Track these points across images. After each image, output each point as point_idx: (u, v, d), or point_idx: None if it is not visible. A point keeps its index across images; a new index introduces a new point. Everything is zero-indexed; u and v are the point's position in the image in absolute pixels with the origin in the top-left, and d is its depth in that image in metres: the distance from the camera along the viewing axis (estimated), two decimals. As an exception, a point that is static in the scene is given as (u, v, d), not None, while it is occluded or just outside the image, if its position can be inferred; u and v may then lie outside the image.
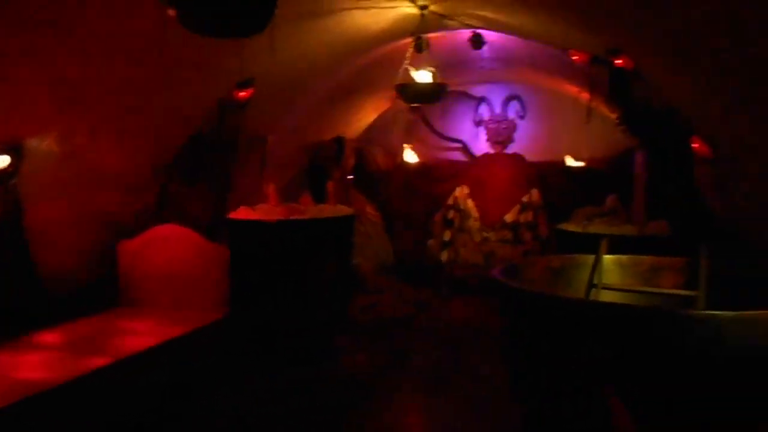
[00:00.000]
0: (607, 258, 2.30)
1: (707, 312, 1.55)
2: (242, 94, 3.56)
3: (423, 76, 3.44)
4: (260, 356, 3.62)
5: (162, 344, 2.87)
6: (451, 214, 5.74)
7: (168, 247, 3.62)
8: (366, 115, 5.98)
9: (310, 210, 4.00)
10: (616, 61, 3.14)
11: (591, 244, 2.84)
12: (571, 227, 3.74)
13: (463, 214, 5.71)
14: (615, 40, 3.02)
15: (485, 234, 5.65)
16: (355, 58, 4.22)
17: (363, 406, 3.15)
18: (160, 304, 3.54)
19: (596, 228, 3.58)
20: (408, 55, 3.51)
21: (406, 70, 3.51)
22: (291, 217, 3.75)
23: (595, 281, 2.25)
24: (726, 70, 2.25)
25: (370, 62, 4.41)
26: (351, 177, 5.79)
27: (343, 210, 4.12)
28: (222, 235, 3.74)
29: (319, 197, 4.97)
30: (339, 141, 5.59)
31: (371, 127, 6.14)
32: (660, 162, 3.62)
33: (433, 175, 6.01)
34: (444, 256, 5.66)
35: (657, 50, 2.80)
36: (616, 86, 3.35)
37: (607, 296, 2.23)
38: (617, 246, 3.18)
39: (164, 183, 3.73)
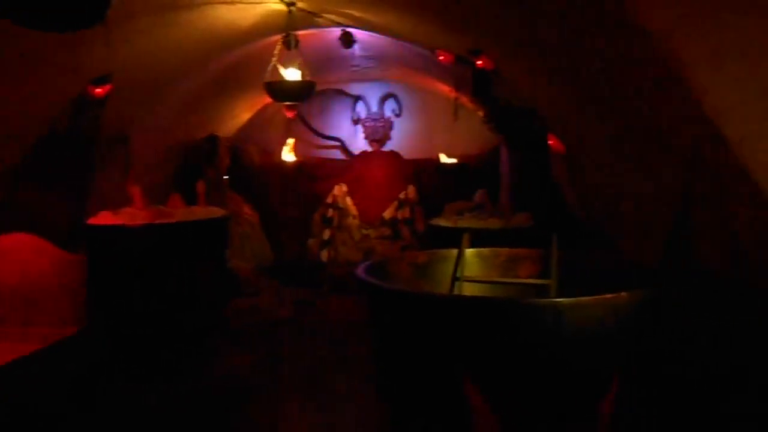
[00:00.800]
0: (470, 251, 2.38)
1: (546, 300, 1.65)
2: (98, 90, 3.32)
3: (292, 74, 3.39)
4: (127, 370, 3.41)
5: (10, 364, 2.62)
6: (329, 212, 5.73)
7: (18, 258, 3.30)
8: (240, 113, 5.82)
9: (178, 212, 3.82)
10: (478, 62, 3.27)
11: (461, 238, 2.95)
12: (442, 222, 3.86)
13: (342, 212, 5.72)
14: (476, 41, 3.15)
15: (364, 231, 5.70)
16: (224, 54, 4.09)
17: (242, 411, 3.07)
18: (10, 321, 3.23)
19: (466, 222, 3.72)
20: (276, 52, 3.45)
21: (275, 68, 3.45)
22: (157, 221, 3.56)
23: (458, 274, 2.32)
24: (568, 74, 2.41)
25: (240, 59, 4.29)
26: (226, 177, 5.61)
27: (215, 212, 3.98)
28: (82, 243, 3.48)
29: (191, 199, 4.78)
30: (212, 140, 5.40)
31: (247, 126, 5.99)
32: (522, 158, 3.82)
33: (312, 174, 5.97)
34: (324, 255, 5.65)
35: (513, 52, 2.95)
36: (479, 86, 3.49)
37: (469, 288, 2.31)
38: (485, 239, 3.31)
39: (11, 188, 3.40)
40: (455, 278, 2.34)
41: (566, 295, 2.03)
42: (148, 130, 4.31)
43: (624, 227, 2.83)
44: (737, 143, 1.46)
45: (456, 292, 2.30)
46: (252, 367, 3.72)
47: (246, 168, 5.87)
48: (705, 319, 1.75)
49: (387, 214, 5.70)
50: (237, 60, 4.31)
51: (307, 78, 3.46)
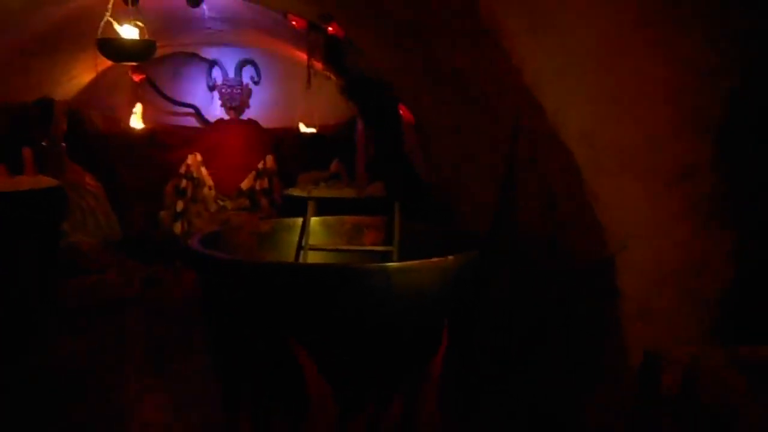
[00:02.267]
0: (315, 220, 2.36)
1: (375, 264, 1.67)
2: None
3: (129, 31, 3.13)
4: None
5: None
6: (183, 183, 5.45)
7: None
8: (79, 74, 5.31)
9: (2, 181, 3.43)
10: (329, 28, 3.21)
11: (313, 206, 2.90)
12: (296, 192, 3.80)
13: (197, 182, 5.46)
14: (326, 7, 3.08)
15: (221, 202, 5.50)
16: (51, 7, 3.68)
17: (80, 396, 2.84)
18: None
19: (319, 192, 3.69)
20: (110, 6, 3.16)
21: (109, 24, 3.16)
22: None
23: (303, 243, 2.29)
24: (413, 44, 2.42)
25: (72, 14, 3.88)
26: (64, 144, 5.12)
27: (44, 181, 3.62)
28: None
29: (18, 169, 4.31)
30: (45, 103, 4.89)
31: (88, 89, 5.49)
32: (376, 128, 3.85)
33: (163, 142, 5.63)
34: (177, 227, 5.38)
35: (361, 21, 2.93)
36: (331, 53, 3.44)
37: (314, 257, 2.29)
38: (339, 208, 3.28)
39: None
40: (300, 247, 2.31)
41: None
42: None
43: (462, 195, 2.95)
44: (552, 113, 1.55)
45: (301, 261, 2.27)
46: (91, 350, 3.47)
47: (88, 135, 5.40)
48: (518, 280, 1.87)
49: (245, 184, 5.53)
50: (70, 14, 3.90)
51: (147, 37, 3.21)
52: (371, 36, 3.00)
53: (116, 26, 3.16)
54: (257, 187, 5.53)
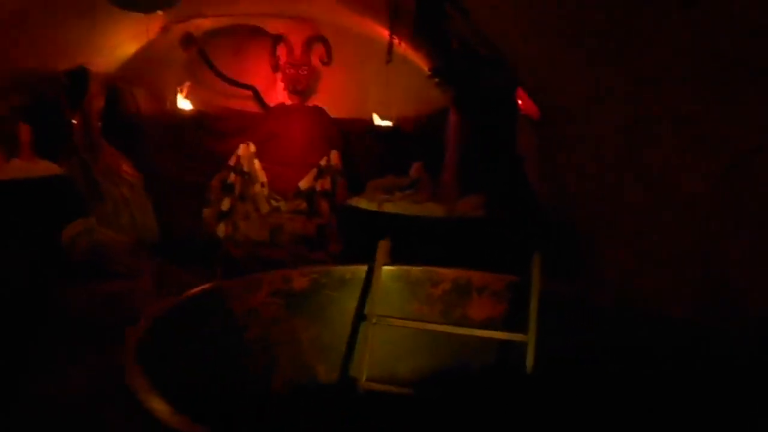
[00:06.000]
0: (388, 271, 1.37)
1: None
2: None
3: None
4: None
5: None
6: (231, 177, 4.60)
7: None
8: (122, 42, 4.55)
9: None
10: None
11: (387, 228, 2.02)
12: (363, 203, 2.82)
13: (247, 177, 4.60)
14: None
15: (274, 203, 4.61)
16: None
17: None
18: None
19: (394, 206, 2.70)
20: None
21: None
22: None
23: (366, 312, 1.31)
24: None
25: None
26: (100, 123, 4.37)
27: (40, 168, 2.81)
28: None
29: (40, 149, 3.58)
30: (79, 73, 4.14)
31: (132, 62, 4.72)
32: (477, 123, 2.82)
33: (214, 128, 4.80)
34: (221, 229, 4.53)
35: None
36: (424, 16, 2.44)
37: (383, 336, 1.30)
38: (419, 230, 2.32)
39: None
40: (359, 317, 1.33)
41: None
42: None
43: (616, 234, 1.90)
44: None
45: (357, 354, 1.29)
46: (93, 384, 2.65)
47: (128, 115, 4.63)
48: None
49: (303, 183, 4.62)
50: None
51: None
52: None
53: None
54: (318, 187, 4.61)
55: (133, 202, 4.59)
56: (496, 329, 1.30)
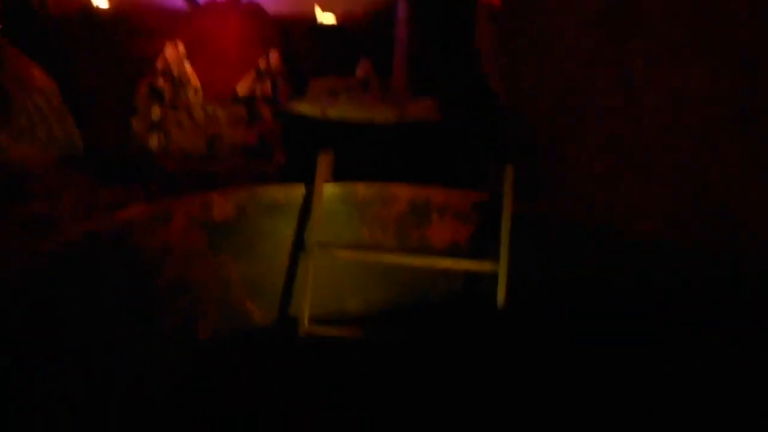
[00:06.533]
0: (332, 190, 1.13)
1: None
2: None
3: None
4: None
5: None
6: (160, 82, 4.16)
7: None
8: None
9: None
10: None
11: (332, 135, 2.10)
12: (304, 108, 2.53)
13: (178, 82, 4.17)
14: None
15: (211, 111, 4.23)
16: None
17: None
18: None
19: (339, 110, 2.42)
20: None
21: None
22: None
23: (305, 238, 1.09)
24: None
25: None
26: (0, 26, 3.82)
27: None
28: None
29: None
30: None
31: (32, -51, 4.09)
32: (430, 15, 2.52)
33: (136, 27, 4.29)
34: (153, 141, 4.15)
35: None
36: None
37: (325, 264, 1.09)
38: (369, 137, 2.10)
39: None
40: (298, 247, 1.11)
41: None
42: None
43: (583, 142, 1.72)
44: None
45: (299, 279, 1.08)
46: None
47: (35, 14, 4.06)
48: None
49: (241, 88, 4.23)
50: None
51: None
52: None
53: None
54: (257, 92, 4.23)
55: (49, 114, 4.13)
56: (461, 257, 1.10)
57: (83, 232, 0.92)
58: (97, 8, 4.25)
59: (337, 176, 1.24)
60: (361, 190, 1.15)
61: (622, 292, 0.98)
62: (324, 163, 1.12)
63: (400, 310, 1.16)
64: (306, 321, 1.07)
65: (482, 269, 1.05)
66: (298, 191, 1.10)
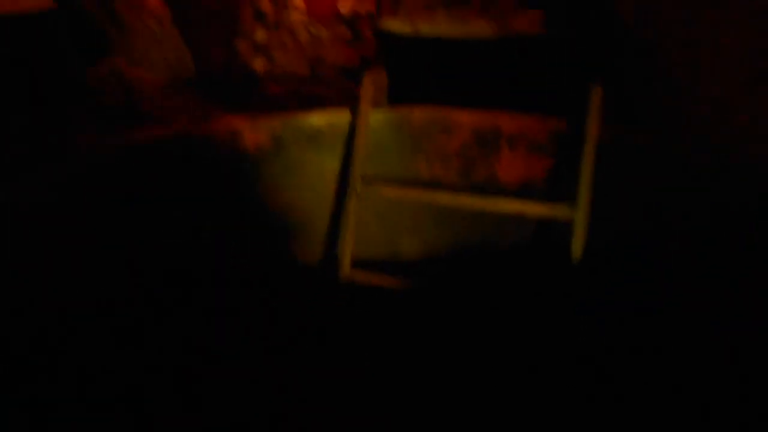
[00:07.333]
0: (382, 119, 0.98)
1: None
2: None
3: None
4: None
5: None
6: (264, 4, 4.08)
7: None
8: None
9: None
10: None
11: (426, 54, 1.90)
12: (395, 26, 2.32)
13: (281, 3, 4.07)
14: None
15: (314, 31, 4.11)
16: None
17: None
18: None
19: (433, 28, 2.19)
20: None
21: None
22: None
23: (351, 176, 0.95)
24: None
25: None
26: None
27: (30, 2, 2.45)
28: None
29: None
30: None
31: None
32: None
33: (241, -54, 4.20)
34: (258, 63, 4.13)
35: None
36: None
37: (371, 207, 0.96)
38: (467, 54, 1.90)
39: None
40: (342, 184, 0.97)
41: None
42: None
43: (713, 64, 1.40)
44: None
45: (345, 224, 0.95)
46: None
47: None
48: None
49: (344, 6, 4.05)
50: None
51: None
52: None
53: None
54: (361, 11, 4.04)
55: (163, 38, 4.23)
56: (533, 198, 0.92)
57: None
58: (204, -73, 4.20)
59: (429, 99, 1.08)
60: (417, 116, 0.98)
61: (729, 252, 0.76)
62: (369, 83, 0.96)
63: (460, 255, 1.01)
64: (347, 265, 0.95)
65: (557, 214, 0.86)
66: (343, 118, 0.96)
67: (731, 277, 0.77)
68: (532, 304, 0.92)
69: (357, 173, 0.95)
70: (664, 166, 0.83)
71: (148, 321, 0.79)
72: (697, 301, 0.82)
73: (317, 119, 0.95)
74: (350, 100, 3.66)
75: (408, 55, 2.31)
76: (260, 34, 4.09)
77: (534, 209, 0.90)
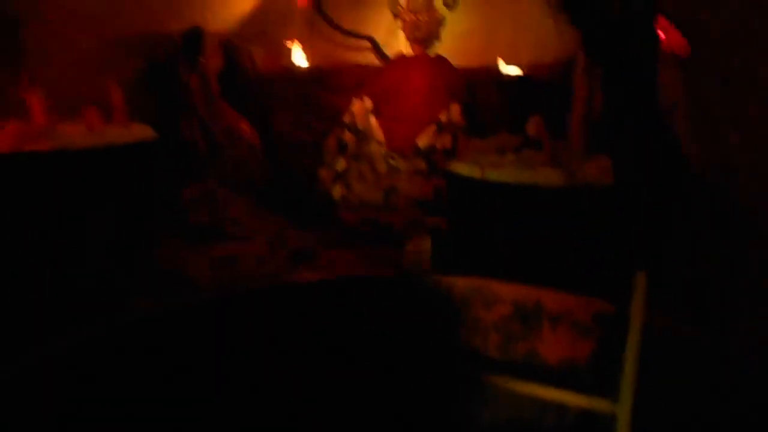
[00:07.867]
0: (425, 285, 0.97)
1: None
2: None
3: None
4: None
5: None
6: (346, 135, 4.34)
7: None
8: (238, 1, 4.43)
9: (80, 131, 2.60)
10: None
11: (491, 198, 2.00)
12: (462, 168, 2.38)
13: (362, 136, 4.32)
14: None
15: (393, 162, 4.29)
16: None
17: None
18: None
19: (500, 173, 2.23)
20: None
21: None
22: (26, 147, 2.35)
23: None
24: None
25: None
26: (218, 84, 4.31)
27: (134, 133, 2.73)
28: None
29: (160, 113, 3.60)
30: (194, 34, 4.08)
31: (247, 18, 4.59)
32: (607, 66, 2.26)
33: (330, 84, 4.56)
34: (336, 191, 4.31)
35: None
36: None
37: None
38: (535, 202, 1.89)
39: None
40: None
41: None
42: (68, 14, 3.05)
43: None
44: None
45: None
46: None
47: (245, 73, 4.53)
48: None
49: (422, 141, 4.23)
50: None
51: None
52: None
53: None
54: (438, 145, 4.20)
55: (252, 163, 4.54)
56: (575, 379, 0.87)
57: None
58: (297, 67, 4.61)
59: (491, 246, 1.08)
60: (459, 285, 0.98)
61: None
62: (417, 248, 0.97)
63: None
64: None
65: (598, 408, 0.80)
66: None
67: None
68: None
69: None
70: (711, 363, 0.77)
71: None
72: None
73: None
74: (418, 229, 3.67)
75: (473, 197, 2.34)
76: (341, 164, 4.30)
77: (573, 400, 0.85)
